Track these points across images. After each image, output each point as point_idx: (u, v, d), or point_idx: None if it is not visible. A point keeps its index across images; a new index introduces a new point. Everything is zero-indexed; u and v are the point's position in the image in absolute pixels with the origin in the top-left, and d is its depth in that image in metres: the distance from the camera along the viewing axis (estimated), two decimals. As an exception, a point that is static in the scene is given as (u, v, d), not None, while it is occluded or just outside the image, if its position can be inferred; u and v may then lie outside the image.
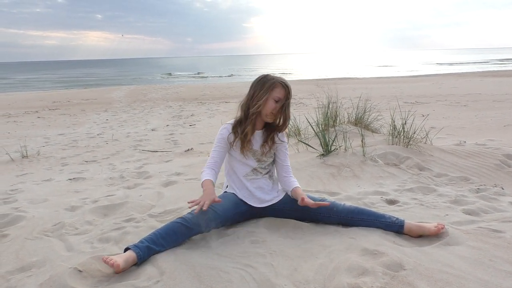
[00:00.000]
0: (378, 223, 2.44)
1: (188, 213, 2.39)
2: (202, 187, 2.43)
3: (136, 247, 2.15)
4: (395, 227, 2.40)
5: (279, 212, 2.65)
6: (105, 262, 2.04)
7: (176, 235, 2.28)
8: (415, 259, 2.04)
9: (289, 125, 5.52)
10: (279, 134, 2.66)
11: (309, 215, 2.58)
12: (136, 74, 48.66)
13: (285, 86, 2.50)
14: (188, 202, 2.31)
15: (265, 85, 2.50)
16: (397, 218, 2.43)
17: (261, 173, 2.68)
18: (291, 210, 2.62)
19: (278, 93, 2.49)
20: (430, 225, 2.36)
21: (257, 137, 2.64)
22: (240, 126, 2.58)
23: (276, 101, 2.49)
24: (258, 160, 2.66)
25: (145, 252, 2.16)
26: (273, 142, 2.64)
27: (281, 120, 2.58)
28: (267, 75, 2.57)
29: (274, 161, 2.75)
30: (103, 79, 41.59)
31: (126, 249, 2.17)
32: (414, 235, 2.37)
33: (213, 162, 2.57)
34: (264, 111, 2.52)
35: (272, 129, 2.63)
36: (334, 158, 4.15)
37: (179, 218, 2.35)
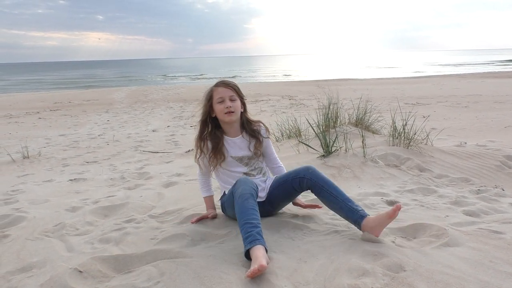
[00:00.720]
0: (342, 204, 2.35)
1: (241, 189, 2.33)
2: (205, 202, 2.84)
3: (257, 241, 2.06)
4: (356, 216, 2.30)
5: (270, 196, 2.63)
6: (253, 275, 1.90)
7: (254, 209, 2.24)
8: (415, 260, 2.04)
9: (290, 126, 5.56)
10: (263, 131, 2.72)
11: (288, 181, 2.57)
12: (135, 76, 48.62)
13: (220, 84, 2.60)
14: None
15: (205, 97, 2.64)
16: (362, 209, 2.33)
17: (253, 174, 2.69)
18: (277, 188, 2.62)
19: (217, 94, 2.57)
20: (385, 211, 2.27)
21: (238, 143, 2.67)
22: (206, 144, 2.66)
23: (220, 102, 2.55)
24: (247, 164, 2.68)
25: (262, 236, 2.12)
26: (260, 142, 2.68)
27: (243, 108, 2.67)
28: (207, 90, 2.67)
29: (263, 160, 2.79)
30: (103, 80, 41.61)
31: (247, 253, 2.06)
32: (373, 230, 2.24)
33: (204, 181, 2.84)
34: (220, 117, 2.60)
35: (251, 131, 2.68)
36: (335, 159, 4.15)
37: (243, 195, 2.27)
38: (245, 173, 2.67)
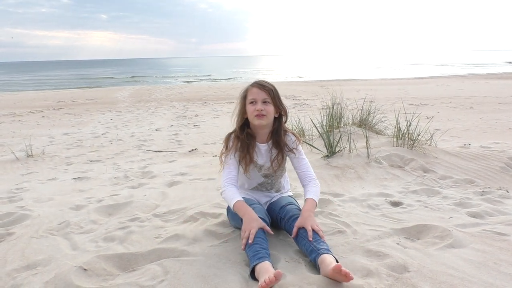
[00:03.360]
0: (308, 243, 2.12)
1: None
2: (235, 210, 2.29)
3: (264, 258, 1.96)
4: (314, 253, 2.05)
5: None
6: (268, 284, 1.77)
7: (262, 238, 2.13)
8: (419, 261, 2.04)
9: (293, 127, 5.56)
10: (291, 142, 2.50)
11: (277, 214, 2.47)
12: (139, 75, 48.70)
13: (255, 85, 2.43)
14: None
15: (239, 98, 2.50)
16: (326, 250, 2.03)
17: (266, 188, 2.60)
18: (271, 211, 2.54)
19: (250, 95, 2.42)
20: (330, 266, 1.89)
21: (263, 151, 2.50)
22: (239, 142, 2.47)
23: (252, 102, 2.40)
24: (265, 176, 2.55)
25: (269, 256, 2.03)
26: (283, 158, 2.51)
27: (280, 113, 2.48)
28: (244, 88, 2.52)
29: (284, 175, 2.63)
30: (106, 79, 41.70)
31: (252, 271, 1.95)
32: (324, 270, 1.93)
33: (230, 177, 2.42)
34: (249, 118, 2.44)
35: (280, 145, 2.49)
36: (339, 159, 4.16)
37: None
38: (259, 184, 2.57)
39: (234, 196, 2.32)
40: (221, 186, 2.43)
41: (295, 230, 2.19)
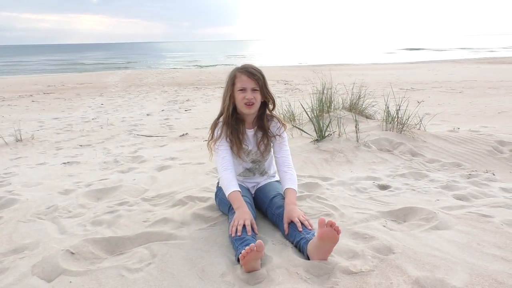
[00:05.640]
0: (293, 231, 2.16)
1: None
2: (229, 199, 2.30)
3: (251, 243, 1.91)
4: (303, 241, 2.05)
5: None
6: (248, 252, 1.79)
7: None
8: (404, 242, 2.07)
9: (284, 111, 5.55)
10: (275, 129, 2.52)
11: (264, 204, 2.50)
12: (133, 59, 48.17)
13: (244, 72, 2.39)
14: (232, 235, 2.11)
15: (227, 82, 2.44)
16: (312, 235, 2.04)
17: (254, 173, 2.62)
18: (257, 197, 2.59)
19: (240, 82, 2.38)
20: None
21: (250, 136, 2.52)
22: (229, 128, 2.46)
23: (242, 90, 2.37)
24: (253, 161, 2.57)
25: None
26: (268, 141, 2.53)
27: (267, 101, 2.48)
28: (231, 70, 2.46)
29: (271, 159, 2.65)
30: (97, 63, 41.19)
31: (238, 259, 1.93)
32: (316, 255, 1.93)
33: (226, 162, 2.43)
34: (238, 106, 2.42)
35: (264, 128, 2.51)
36: (328, 143, 4.17)
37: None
38: (247, 169, 2.59)
39: (231, 185, 2.33)
40: (218, 172, 2.45)
41: (286, 226, 2.19)
